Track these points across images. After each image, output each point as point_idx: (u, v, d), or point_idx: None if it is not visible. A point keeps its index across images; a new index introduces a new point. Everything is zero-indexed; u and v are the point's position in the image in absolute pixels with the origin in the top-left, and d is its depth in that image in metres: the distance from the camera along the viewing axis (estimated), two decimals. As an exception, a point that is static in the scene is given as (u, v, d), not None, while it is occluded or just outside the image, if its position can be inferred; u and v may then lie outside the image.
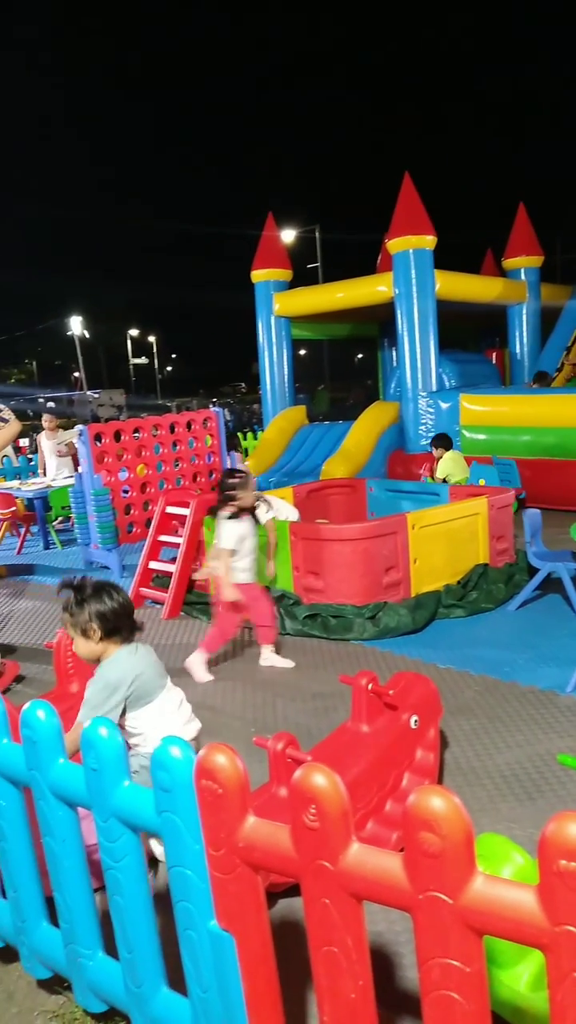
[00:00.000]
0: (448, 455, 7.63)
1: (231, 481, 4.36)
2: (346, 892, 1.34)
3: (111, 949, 1.84)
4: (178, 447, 7.99)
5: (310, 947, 1.41)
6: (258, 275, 11.13)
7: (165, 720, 2.54)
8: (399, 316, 9.45)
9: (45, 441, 9.75)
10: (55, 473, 9.49)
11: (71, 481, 8.30)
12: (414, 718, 2.85)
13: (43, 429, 9.86)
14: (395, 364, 11.84)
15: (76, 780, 1.72)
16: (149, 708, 2.52)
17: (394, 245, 9.34)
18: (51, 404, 25.15)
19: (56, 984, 2.13)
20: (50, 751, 1.77)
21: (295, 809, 1.35)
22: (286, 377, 11.41)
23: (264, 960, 1.52)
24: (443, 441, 7.77)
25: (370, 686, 2.80)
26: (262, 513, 4.49)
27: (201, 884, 1.51)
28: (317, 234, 28.81)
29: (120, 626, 2.52)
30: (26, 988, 2.20)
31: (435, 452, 7.74)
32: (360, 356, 26.56)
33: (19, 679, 4.49)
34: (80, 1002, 1.93)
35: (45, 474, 9.62)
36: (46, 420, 9.79)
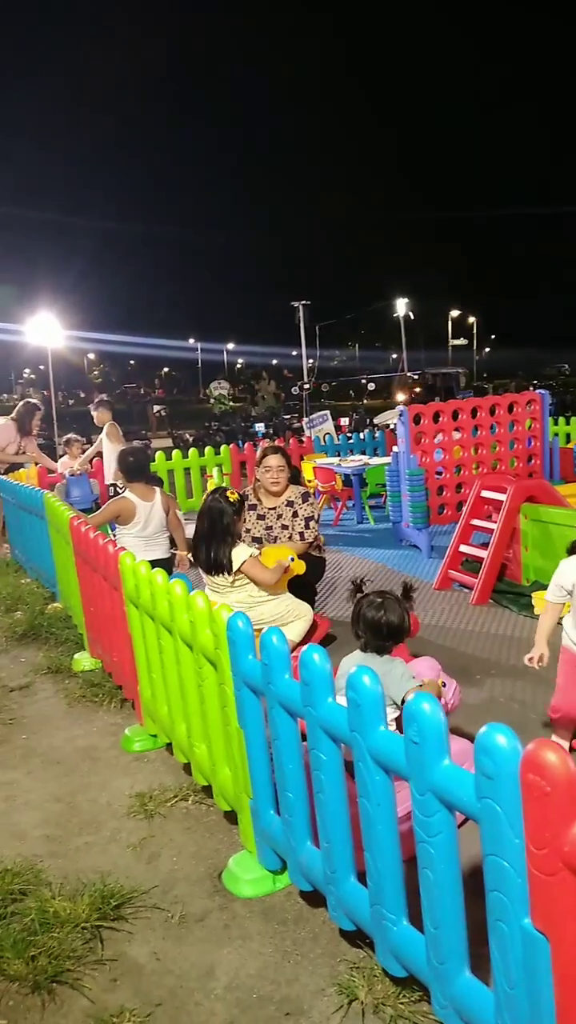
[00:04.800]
0: None
1: None
2: None
3: (415, 919, 1.88)
4: (497, 430, 7.78)
5: None
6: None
7: None
8: None
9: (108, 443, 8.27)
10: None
11: (386, 460, 8.49)
12: None
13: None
14: None
15: (396, 749, 1.76)
16: None
17: None
18: (371, 385, 26.00)
19: (358, 937, 2.23)
20: (373, 717, 1.84)
21: None
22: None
23: (580, 974, 1.44)
24: None
25: None
26: None
27: (517, 878, 1.47)
28: None
29: None
30: (330, 934, 2.33)
31: None
32: None
33: (330, 639, 4.69)
34: (381, 962, 2.00)
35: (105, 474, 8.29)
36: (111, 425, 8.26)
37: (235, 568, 3.91)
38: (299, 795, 2.29)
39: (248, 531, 4.88)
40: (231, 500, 4.01)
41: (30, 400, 9.14)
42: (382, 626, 2.74)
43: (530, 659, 3.17)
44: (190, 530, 5.21)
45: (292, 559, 4.32)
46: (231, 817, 2.93)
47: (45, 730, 4.00)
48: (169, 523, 5.03)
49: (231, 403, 22.98)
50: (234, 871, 2.62)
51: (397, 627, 2.76)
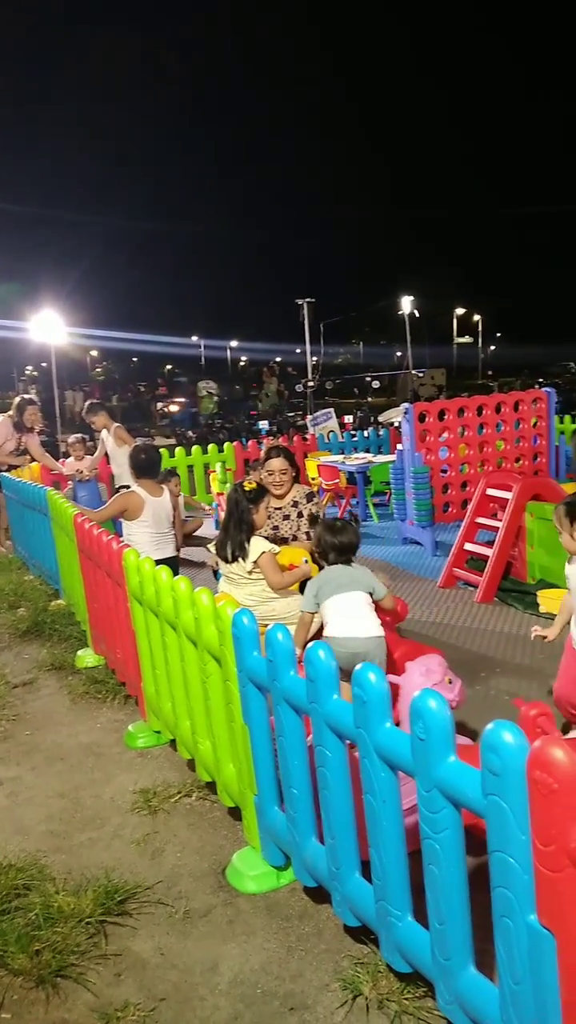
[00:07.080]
0: None
1: None
2: None
3: (419, 915, 1.87)
4: (503, 427, 7.77)
5: None
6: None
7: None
8: None
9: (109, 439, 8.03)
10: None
11: (390, 458, 8.47)
12: None
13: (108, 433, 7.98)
14: None
15: (402, 746, 1.76)
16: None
17: None
18: (375, 384, 25.97)
19: (363, 933, 2.23)
20: (379, 713, 1.84)
21: None
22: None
23: (586, 970, 1.44)
24: None
25: None
26: None
27: (524, 875, 1.46)
28: None
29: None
30: (334, 929, 2.33)
31: None
32: None
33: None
34: (386, 958, 2.00)
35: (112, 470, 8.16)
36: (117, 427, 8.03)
37: (252, 558, 3.93)
38: (304, 791, 2.29)
39: None
40: (247, 489, 4.03)
41: (24, 396, 9.19)
42: (347, 546, 3.45)
43: (535, 631, 3.41)
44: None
45: (306, 561, 4.30)
46: (235, 813, 2.93)
47: (48, 726, 4.01)
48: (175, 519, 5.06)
49: (217, 404, 23.04)
50: (238, 867, 2.62)
51: (356, 544, 3.51)
